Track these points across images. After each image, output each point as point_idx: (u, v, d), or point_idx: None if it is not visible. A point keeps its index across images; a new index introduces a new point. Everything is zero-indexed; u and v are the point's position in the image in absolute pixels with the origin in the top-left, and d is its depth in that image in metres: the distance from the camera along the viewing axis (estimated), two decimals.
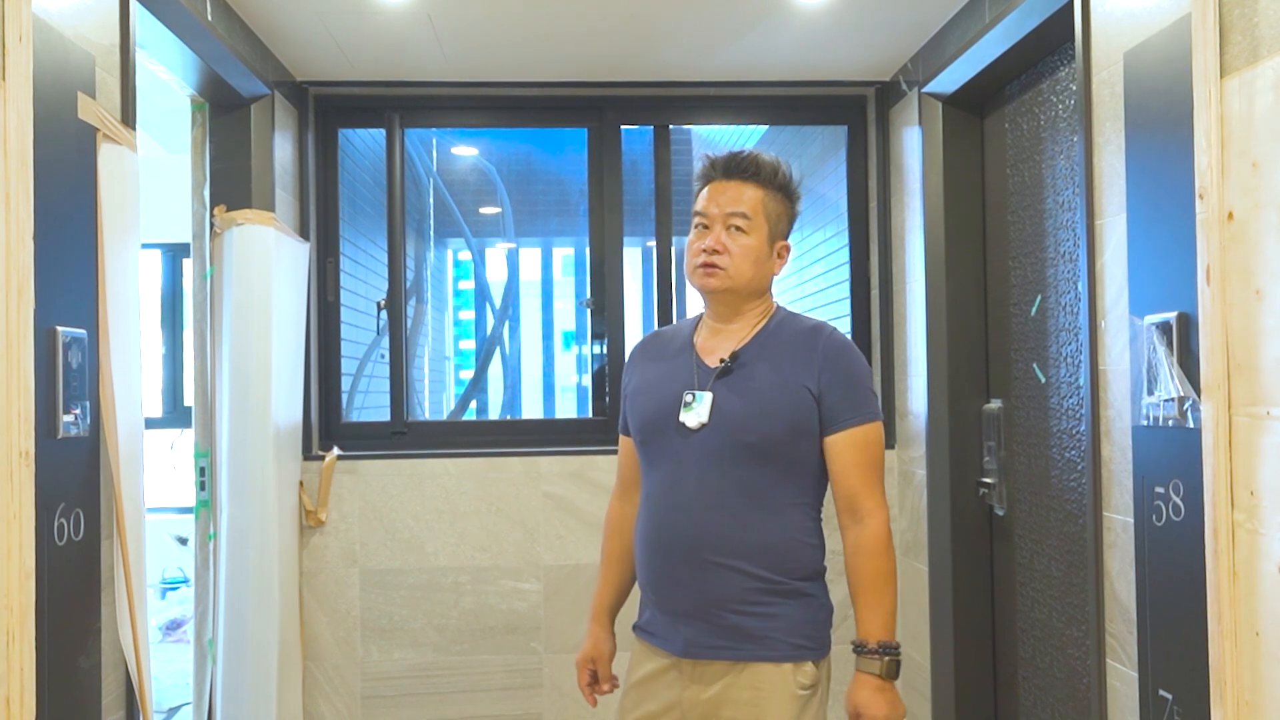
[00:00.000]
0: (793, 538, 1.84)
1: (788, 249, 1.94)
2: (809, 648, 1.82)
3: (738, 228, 1.87)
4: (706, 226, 1.90)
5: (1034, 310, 2.69)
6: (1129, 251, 1.96)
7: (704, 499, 1.83)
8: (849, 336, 3.52)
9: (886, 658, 1.77)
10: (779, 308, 1.96)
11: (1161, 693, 1.86)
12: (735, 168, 1.90)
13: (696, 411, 1.85)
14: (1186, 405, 1.76)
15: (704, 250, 1.88)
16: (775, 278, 1.96)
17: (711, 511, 1.83)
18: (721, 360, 1.88)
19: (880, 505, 1.84)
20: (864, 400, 1.85)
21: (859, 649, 1.81)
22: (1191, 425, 1.74)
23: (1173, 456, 1.80)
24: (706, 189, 1.93)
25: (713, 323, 1.96)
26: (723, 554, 1.82)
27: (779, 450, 1.82)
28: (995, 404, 2.90)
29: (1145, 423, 1.89)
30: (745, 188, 1.89)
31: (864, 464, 1.84)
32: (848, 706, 1.82)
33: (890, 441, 3.37)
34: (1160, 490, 1.85)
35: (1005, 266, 2.86)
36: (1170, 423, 1.81)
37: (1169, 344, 1.79)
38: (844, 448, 1.83)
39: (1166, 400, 1.81)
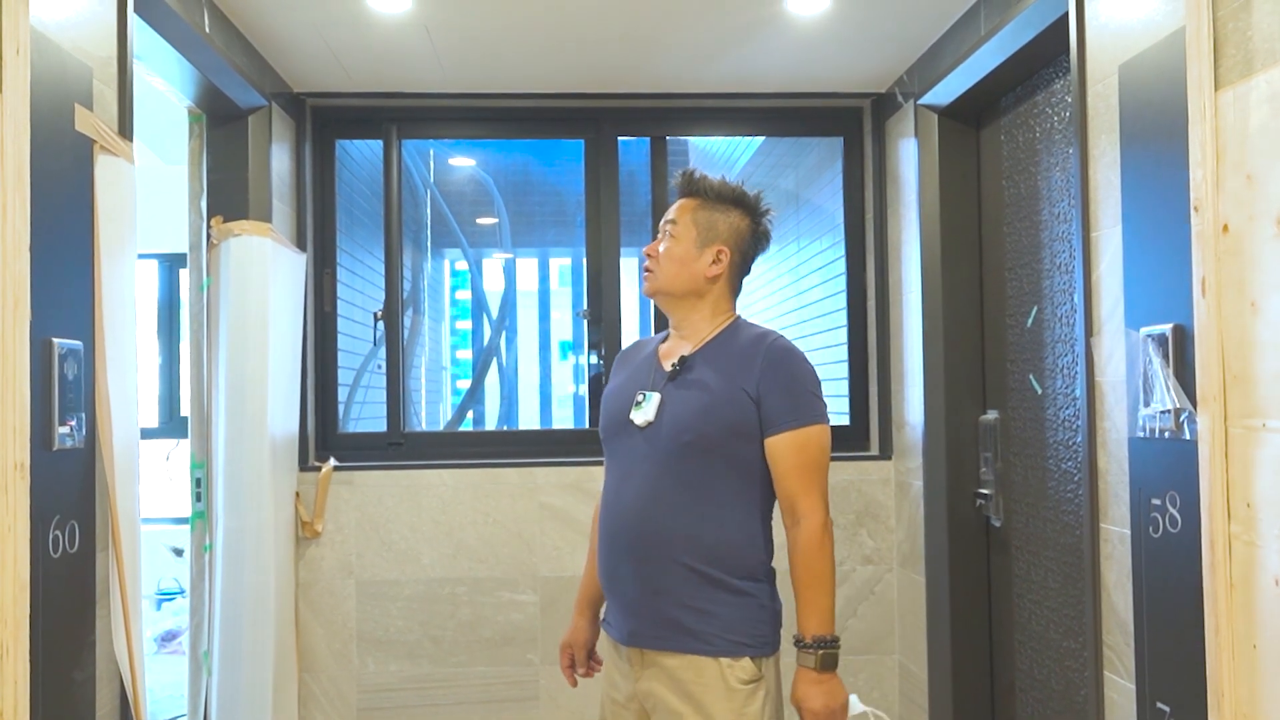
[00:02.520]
0: (732, 537, 1.89)
1: (726, 253, 2.00)
2: (746, 644, 1.87)
3: (669, 234, 2.01)
4: None
5: (1030, 321, 2.70)
6: (1125, 263, 1.97)
7: (647, 495, 1.92)
8: (845, 348, 3.55)
9: (821, 651, 1.84)
10: (738, 318, 2.04)
11: (1159, 705, 1.86)
12: (680, 187, 2.06)
13: (644, 410, 1.96)
14: (1183, 417, 1.76)
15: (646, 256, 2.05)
16: (709, 279, 1.99)
17: (652, 507, 1.91)
18: (673, 365, 1.97)
19: (816, 507, 1.88)
20: (804, 404, 1.90)
21: (797, 643, 1.88)
22: (1188, 437, 1.74)
23: (1169, 468, 1.81)
24: None
25: (671, 329, 2.08)
26: (661, 548, 1.89)
27: (716, 450, 1.89)
28: (992, 415, 2.90)
29: (1142, 434, 1.90)
30: (681, 201, 2.04)
31: (802, 465, 1.89)
32: (791, 700, 1.89)
33: (887, 452, 3.37)
34: (1157, 502, 1.85)
35: (1001, 278, 2.87)
36: (1166, 434, 1.81)
37: (1165, 356, 1.79)
38: (783, 450, 1.89)
39: (1163, 412, 1.81)
